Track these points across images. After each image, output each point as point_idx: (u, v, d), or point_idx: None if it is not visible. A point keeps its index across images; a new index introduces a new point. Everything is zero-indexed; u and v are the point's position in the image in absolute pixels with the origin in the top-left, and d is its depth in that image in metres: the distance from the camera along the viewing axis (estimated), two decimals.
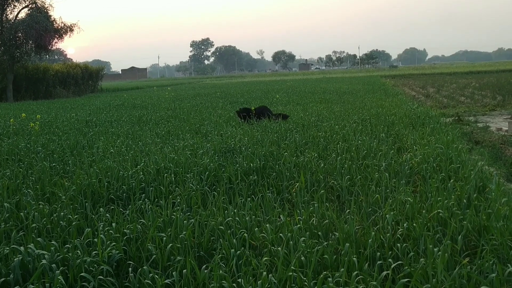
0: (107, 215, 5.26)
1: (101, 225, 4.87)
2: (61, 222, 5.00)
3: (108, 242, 4.35)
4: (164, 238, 4.45)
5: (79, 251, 4.17)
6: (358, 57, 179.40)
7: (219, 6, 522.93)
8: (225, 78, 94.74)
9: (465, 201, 5.12)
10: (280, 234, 4.47)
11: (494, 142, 9.61)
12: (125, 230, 4.65)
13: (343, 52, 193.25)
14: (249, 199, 5.63)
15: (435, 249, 3.86)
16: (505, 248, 4.01)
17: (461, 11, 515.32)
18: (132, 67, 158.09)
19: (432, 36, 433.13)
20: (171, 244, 4.29)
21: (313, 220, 4.82)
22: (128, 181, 6.57)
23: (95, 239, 4.39)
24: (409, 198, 5.21)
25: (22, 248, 4.13)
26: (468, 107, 17.38)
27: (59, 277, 3.69)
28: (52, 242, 4.37)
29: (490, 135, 10.77)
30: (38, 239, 4.44)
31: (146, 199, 5.85)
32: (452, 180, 5.92)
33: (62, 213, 5.22)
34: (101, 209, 5.49)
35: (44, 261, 3.90)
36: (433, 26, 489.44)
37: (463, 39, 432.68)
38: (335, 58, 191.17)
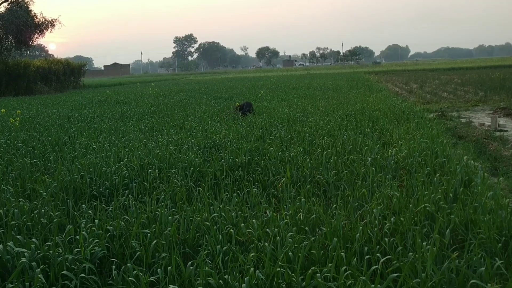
0: (90, 211, 5.13)
1: (84, 222, 4.75)
2: (42, 219, 4.87)
3: (91, 239, 4.24)
4: (149, 234, 4.36)
5: (60, 249, 4.06)
6: (341, 53, 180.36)
7: (203, 1, 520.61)
8: (209, 75, 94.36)
9: (451, 195, 5.12)
10: (267, 230, 4.41)
11: (478, 137, 9.67)
12: (108, 227, 4.54)
13: (327, 48, 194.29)
14: (235, 194, 5.55)
15: (423, 243, 3.83)
16: (492, 241, 4.00)
17: (443, 8, 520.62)
18: (115, 63, 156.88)
19: (414, 33, 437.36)
20: (155, 241, 4.20)
21: (300, 215, 4.76)
22: (111, 177, 6.44)
23: (77, 236, 4.28)
24: (395, 193, 5.18)
25: (1, 246, 4.00)
26: (451, 103, 17.51)
27: (39, 276, 3.58)
28: (33, 239, 4.24)
29: (473, 130, 10.84)
30: (18, 236, 4.31)
31: (129, 195, 5.74)
32: (438, 175, 5.91)
33: (43, 210, 5.09)
34: (83, 205, 5.37)
35: (24, 259, 3.78)
36: (415, 23, 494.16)
37: (445, 36, 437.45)
38: (318, 54, 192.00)
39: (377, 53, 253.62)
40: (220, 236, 4.29)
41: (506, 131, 10.87)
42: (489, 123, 11.57)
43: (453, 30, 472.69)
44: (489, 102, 17.25)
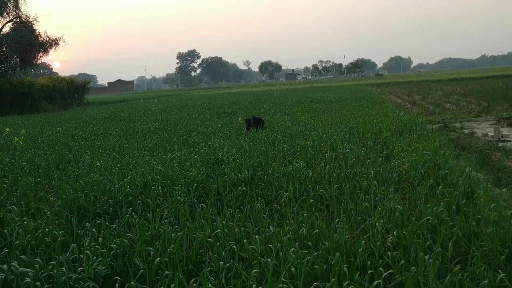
0: (94, 230, 5.16)
1: (87, 240, 4.77)
2: (46, 238, 4.90)
3: (94, 257, 4.26)
4: (152, 252, 4.37)
5: (64, 268, 4.07)
6: (344, 66, 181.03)
7: (205, 17, 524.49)
8: (212, 90, 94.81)
9: (454, 207, 5.11)
10: (270, 245, 4.41)
11: (481, 147, 9.66)
12: (111, 245, 4.56)
13: (329, 61, 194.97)
14: (238, 210, 5.57)
15: (426, 257, 3.82)
16: (495, 254, 3.99)
17: (445, 19, 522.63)
18: (119, 80, 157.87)
19: (416, 44, 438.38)
20: (159, 258, 4.21)
21: (302, 230, 4.77)
22: (114, 194, 6.48)
23: (81, 255, 4.30)
24: (398, 206, 5.18)
25: (5, 266, 4.02)
26: (454, 114, 17.51)
27: None
28: (37, 259, 4.27)
29: (476, 140, 10.83)
30: (22, 256, 4.34)
31: (133, 213, 5.76)
32: (440, 187, 5.91)
33: (47, 229, 5.11)
34: (87, 224, 5.39)
35: (28, 279, 3.80)
36: (417, 34, 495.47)
37: (447, 46, 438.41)
38: (321, 67, 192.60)
39: (379, 65, 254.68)
40: (223, 252, 4.30)
41: (509, 141, 10.85)
42: (492, 134, 11.56)
43: (455, 40, 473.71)
44: (492, 113, 17.24)
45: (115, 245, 4.55)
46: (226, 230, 4.85)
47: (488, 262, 3.95)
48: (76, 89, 48.68)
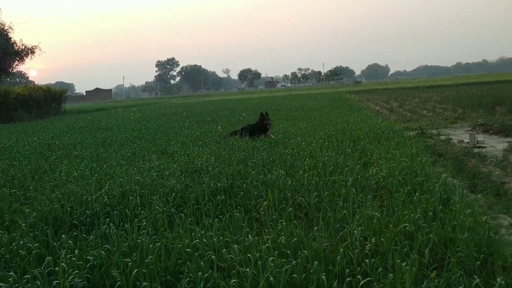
0: (70, 241, 5.07)
1: (63, 253, 4.69)
2: (20, 251, 4.80)
3: (70, 270, 4.19)
4: (130, 263, 4.32)
5: (39, 282, 4.00)
6: (323, 73, 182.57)
7: (184, 25, 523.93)
8: (192, 98, 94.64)
9: (430, 213, 5.17)
10: (249, 255, 4.40)
11: (457, 154, 9.80)
12: (88, 257, 4.49)
13: (308, 69, 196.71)
14: (217, 219, 5.54)
15: (403, 264, 3.86)
16: (471, 259, 4.05)
17: (421, 27, 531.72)
18: (97, 88, 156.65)
19: (393, 52, 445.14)
20: (136, 270, 4.16)
21: (281, 239, 4.76)
22: (92, 205, 6.39)
23: (57, 268, 4.22)
24: (376, 213, 5.22)
25: None
26: (431, 120, 17.75)
27: None
28: (11, 273, 4.18)
29: (452, 147, 10.98)
30: None
31: (110, 224, 5.68)
32: (417, 193, 5.98)
33: (21, 242, 5.01)
34: (63, 235, 5.30)
35: None
36: (394, 42, 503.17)
37: (423, 54, 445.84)
38: (300, 75, 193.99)
39: (357, 72, 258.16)
40: (202, 262, 4.27)
41: (484, 147, 11.04)
42: (468, 140, 11.75)
43: (431, 48, 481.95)
44: (468, 119, 17.52)
45: (91, 257, 4.48)
46: (204, 239, 4.82)
47: (464, 267, 4.00)
48: (53, 97, 47.94)
